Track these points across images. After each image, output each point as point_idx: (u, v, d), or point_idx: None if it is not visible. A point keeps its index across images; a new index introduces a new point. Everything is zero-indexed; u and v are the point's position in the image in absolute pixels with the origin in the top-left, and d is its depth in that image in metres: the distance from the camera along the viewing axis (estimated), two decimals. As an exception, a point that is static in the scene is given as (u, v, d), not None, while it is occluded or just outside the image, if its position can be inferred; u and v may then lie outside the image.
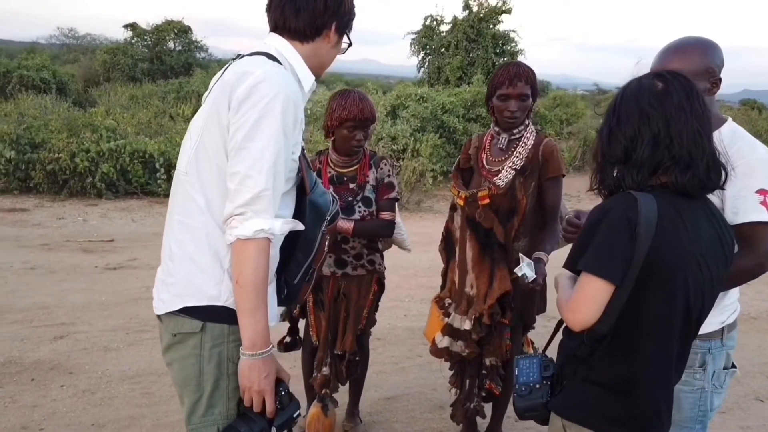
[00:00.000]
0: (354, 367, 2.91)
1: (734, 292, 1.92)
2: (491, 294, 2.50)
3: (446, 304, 2.77)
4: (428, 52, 19.54)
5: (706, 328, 1.80)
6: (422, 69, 19.94)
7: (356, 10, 1.71)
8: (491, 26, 18.57)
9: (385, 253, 2.90)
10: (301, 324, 2.95)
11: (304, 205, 1.59)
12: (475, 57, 18.25)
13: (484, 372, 2.74)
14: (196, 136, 1.54)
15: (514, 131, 2.54)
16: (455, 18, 19.10)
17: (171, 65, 25.26)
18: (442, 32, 19.34)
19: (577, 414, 1.53)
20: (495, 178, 2.53)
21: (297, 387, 3.25)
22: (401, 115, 10.70)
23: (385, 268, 2.87)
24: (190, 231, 1.52)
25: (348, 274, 2.73)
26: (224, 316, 1.50)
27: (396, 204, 2.76)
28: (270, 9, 1.65)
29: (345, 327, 2.79)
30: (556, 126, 12.51)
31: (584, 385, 1.52)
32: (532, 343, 2.92)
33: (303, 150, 1.61)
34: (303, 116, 1.57)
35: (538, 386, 1.60)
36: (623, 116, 1.46)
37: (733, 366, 1.95)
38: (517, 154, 2.52)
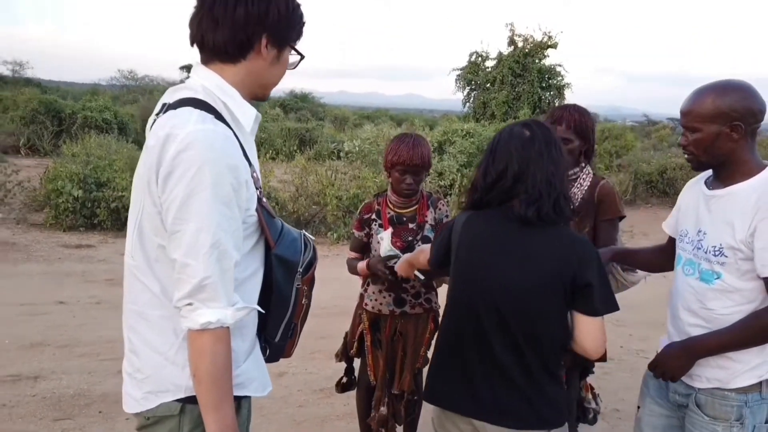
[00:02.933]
0: (411, 406, 2.92)
1: None
2: None
3: None
4: (473, 87, 19.74)
5: (740, 381, 1.80)
6: (467, 104, 20.12)
7: (303, 14, 1.48)
8: (537, 60, 18.65)
9: (430, 291, 2.94)
10: (356, 363, 3.00)
11: (270, 259, 1.45)
12: (521, 91, 18.32)
13: None
14: (135, 212, 1.38)
15: (570, 173, 2.56)
16: (500, 54, 19.30)
17: (223, 101, 26.27)
18: (488, 68, 19.53)
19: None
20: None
21: (352, 425, 3.29)
22: (448, 151, 10.78)
23: (439, 306, 2.91)
24: (149, 321, 1.38)
25: (406, 313, 2.77)
26: None
27: None
28: (190, 26, 1.44)
29: (402, 366, 2.81)
30: (606, 159, 12.34)
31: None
32: (592, 388, 2.88)
33: (260, 200, 1.42)
34: (249, 168, 1.38)
35: None
36: (497, 155, 1.77)
37: None
38: (572, 194, 2.55)
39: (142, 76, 40.76)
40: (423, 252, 2.26)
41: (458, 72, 20.09)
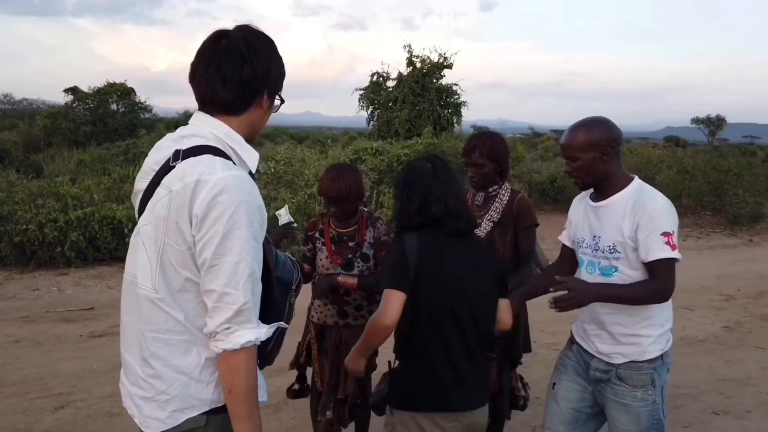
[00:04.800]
0: (356, 410, 3.11)
1: (667, 324, 2.31)
2: None
3: None
4: (376, 106, 20.29)
5: (649, 354, 2.25)
6: (372, 122, 20.64)
7: (285, 67, 1.63)
8: (434, 81, 19.54)
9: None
10: (309, 371, 3.19)
11: (270, 280, 1.58)
12: (422, 110, 19.10)
13: None
14: (155, 249, 1.47)
15: (489, 190, 2.97)
16: (400, 74, 20.01)
17: (114, 127, 25.08)
18: (389, 87, 20.17)
19: (393, 400, 2.18)
20: (476, 230, 2.91)
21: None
22: (360, 169, 11.03)
23: (383, 317, 3.17)
24: (174, 346, 1.48)
25: (350, 324, 2.98)
26: (226, 407, 1.48)
27: None
28: (194, 79, 1.55)
29: (347, 373, 3.01)
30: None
31: (398, 377, 2.17)
32: (521, 377, 3.25)
33: None
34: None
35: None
36: (414, 187, 2.15)
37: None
38: (494, 208, 2.95)
39: (19, 100, 38.05)
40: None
41: (361, 92, 20.60)
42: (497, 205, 2.95)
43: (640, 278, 2.22)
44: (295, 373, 3.23)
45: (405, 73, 19.86)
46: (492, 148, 2.92)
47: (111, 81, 26.04)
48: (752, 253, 10.05)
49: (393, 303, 2.02)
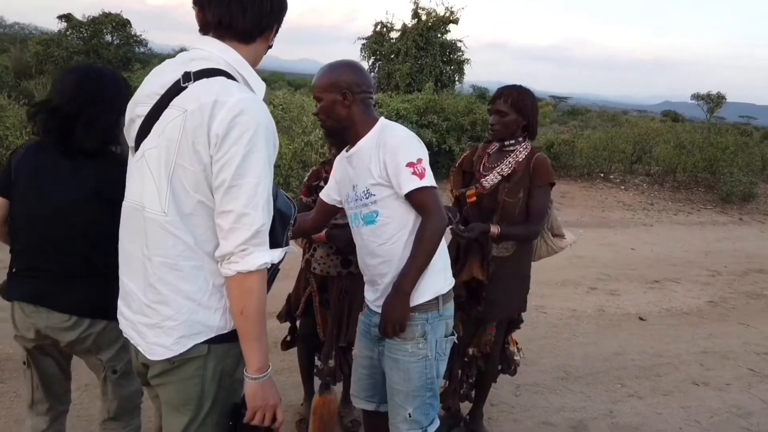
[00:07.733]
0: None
1: (442, 261, 2.19)
2: (458, 278, 2.72)
3: None
4: (378, 57, 19.92)
5: (421, 298, 2.11)
6: (372, 74, 20.31)
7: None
8: (439, 35, 19.15)
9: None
10: (298, 322, 3.19)
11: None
12: (424, 64, 18.78)
13: (466, 360, 3.08)
14: (164, 171, 1.45)
15: (506, 144, 2.88)
16: (405, 26, 19.58)
17: (108, 59, 24.55)
18: (392, 39, 19.76)
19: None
20: (483, 180, 2.88)
21: (292, 378, 3.51)
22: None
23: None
24: (182, 271, 1.47)
25: (352, 273, 2.96)
26: (228, 336, 1.51)
27: None
28: (211, 4, 1.53)
29: (348, 321, 3.03)
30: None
31: None
32: (516, 343, 3.24)
33: None
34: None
35: None
36: None
37: (453, 333, 2.25)
38: (507, 163, 2.85)
39: (11, 24, 37.06)
40: None
41: (363, 41, 20.17)
42: (510, 160, 2.84)
43: (402, 218, 2.12)
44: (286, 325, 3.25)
45: (410, 25, 19.43)
46: (518, 99, 2.82)
47: (106, 11, 25.37)
48: (741, 232, 10.16)
49: None
